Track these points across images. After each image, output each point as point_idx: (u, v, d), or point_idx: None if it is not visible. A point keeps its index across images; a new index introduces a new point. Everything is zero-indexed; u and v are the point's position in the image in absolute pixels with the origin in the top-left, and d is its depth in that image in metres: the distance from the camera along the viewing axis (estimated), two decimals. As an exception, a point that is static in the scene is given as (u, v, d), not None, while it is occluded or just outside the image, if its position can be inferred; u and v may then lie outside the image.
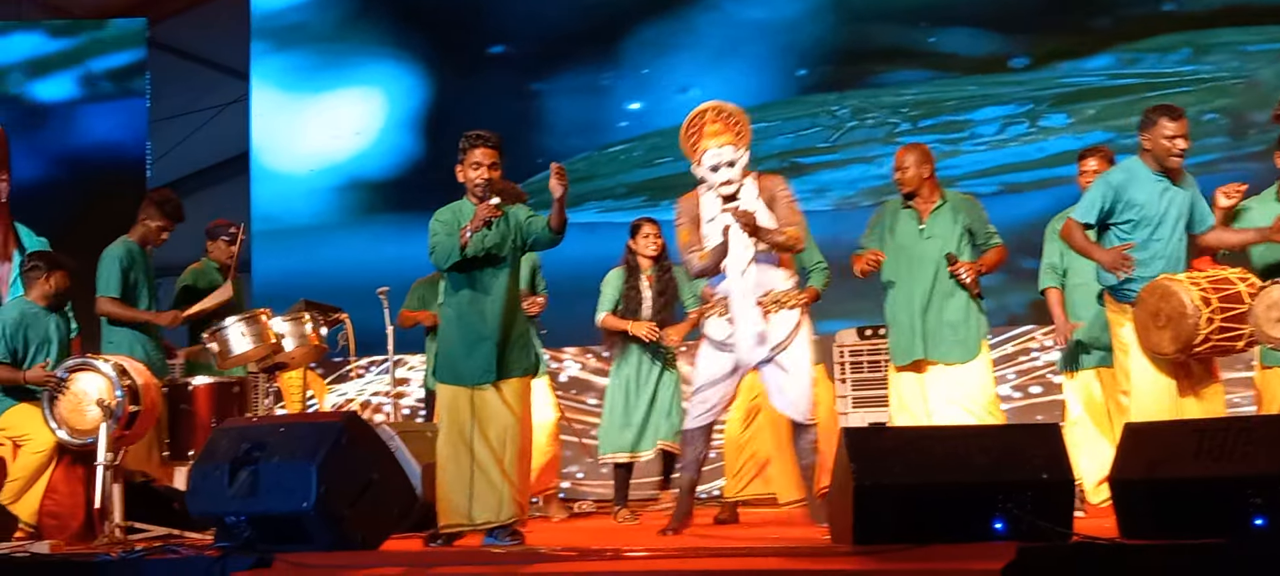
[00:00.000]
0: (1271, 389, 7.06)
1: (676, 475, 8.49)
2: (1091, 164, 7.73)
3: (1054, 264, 7.83)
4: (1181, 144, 6.82)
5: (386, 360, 9.66)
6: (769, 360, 6.97)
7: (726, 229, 6.85)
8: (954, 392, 7.43)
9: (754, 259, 6.91)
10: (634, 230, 8.70)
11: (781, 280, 7.02)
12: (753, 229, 6.80)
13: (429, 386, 9.36)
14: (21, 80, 13.29)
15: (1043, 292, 7.89)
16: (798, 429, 7.05)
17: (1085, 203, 6.94)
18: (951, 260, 7.47)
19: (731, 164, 6.90)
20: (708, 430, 7.14)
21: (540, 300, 8.59)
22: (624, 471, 8.59)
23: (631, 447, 8.53)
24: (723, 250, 6.89)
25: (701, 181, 7.03)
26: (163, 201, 8.50)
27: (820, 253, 7.92)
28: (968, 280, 7.46)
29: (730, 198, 6.89)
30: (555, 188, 6.41)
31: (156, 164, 13.22)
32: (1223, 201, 7.14)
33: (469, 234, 6.49)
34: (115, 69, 13.29)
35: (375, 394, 12.14)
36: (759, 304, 6.92)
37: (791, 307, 7.00)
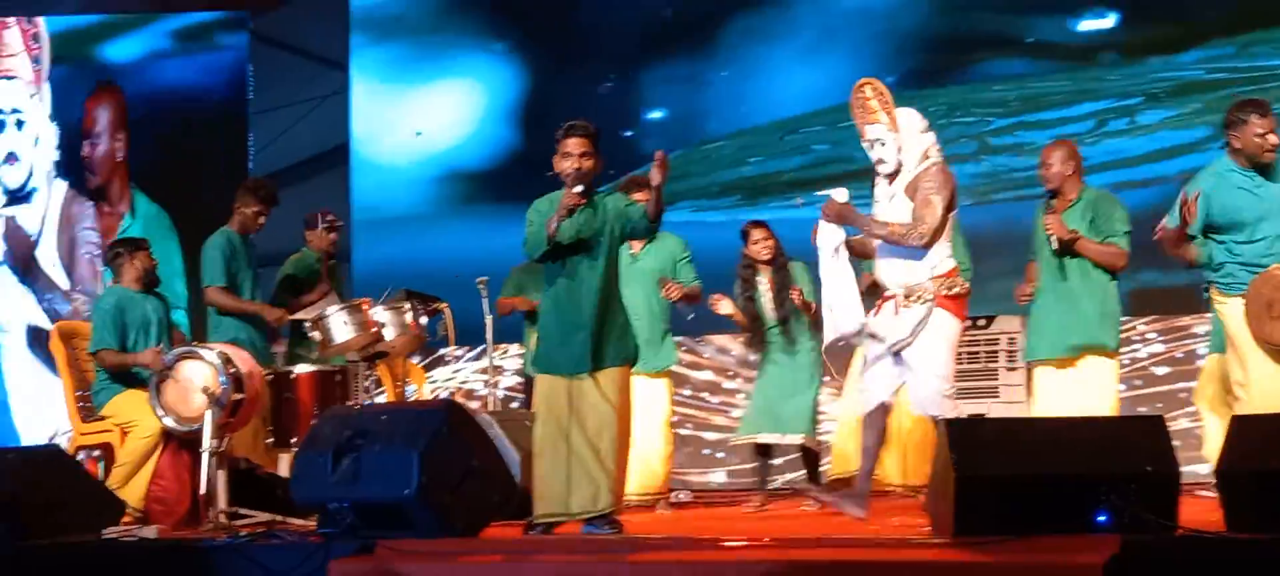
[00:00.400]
0: None
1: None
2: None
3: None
4: (1273, 139, 6.71)
5: (480, 349, 9.71)
6: (898, 353, 6.76)
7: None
8: (1079, 389, 7.36)
9: (877, 249, 6.83)
10: (744, 236, 8.73)
11: (917, 274, 6.73)
12: (837, 217, 6.80)
13: (527, 372, 9.40)
14: (123, 68, 13.56)
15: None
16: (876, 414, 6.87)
17: (1174, 212, 6.84)
18: (1046, 209, 7.43)
19: (883, 143, 6.72)
20: (873, 416, 6.85)
21: (681, 286, 8.48)
22: (765, 451, 8.73)
23: (750, 432, 8.67)
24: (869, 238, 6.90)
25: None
26: (256, 187, 8.62)
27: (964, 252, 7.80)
28: (1052, 232, 7.36)
29: (892, 174, 6.77)
30: (655, 176, 6.41)
31: (258, 155, 13.37)
32: None
33: (555, 224, 6.51)
34: (217, 62, 13.53)
35: (464, 382, 12.23)
36: (889, 296, 6.79)
37: (925, 301, 6.70)
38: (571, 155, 6.59)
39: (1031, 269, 7.67)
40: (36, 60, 13.29)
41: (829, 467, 9.00)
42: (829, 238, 6.88)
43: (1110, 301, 7.47)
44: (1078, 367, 7.43)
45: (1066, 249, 7.41)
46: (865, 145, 6.80)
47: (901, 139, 6.71)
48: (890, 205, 6.74)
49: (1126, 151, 11.08)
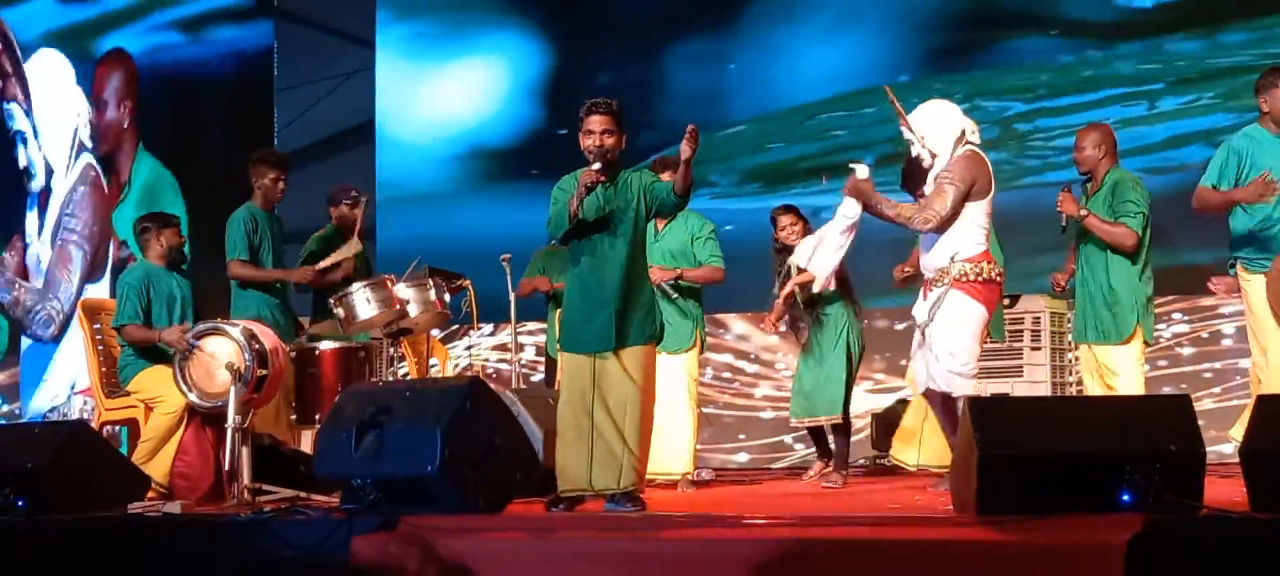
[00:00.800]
0: None
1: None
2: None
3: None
4: None
5: (503, 326, 9.72)
6: (923, 330, 6.98)
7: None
8: (1107, 372, 7.39)
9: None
10: (773, 222, 8.78)
11: (942, 257, 6.87)
12: (854, 192, 6.92)
13: (551, 353, 9.40)
14: (151, 45, 13.59)
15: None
16: (938, 400, 7.01)
17: (1212, 169, 6.83)
18: (1066, 189, 7.44)
19: (912, 144, 6.97)
20: (929, 395, 7.12)
21: (664, 269, 8.47)
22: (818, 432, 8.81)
23: (797, 414, 8.75)
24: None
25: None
26: (265, 155, 8.66)
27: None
28: (1067, 211, 7.39)
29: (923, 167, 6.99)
30: (685, 149, 6.38)
31: (282, 132, 13.39)
32: None
33: (576, 203, 6.50)
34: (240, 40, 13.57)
35: (482, 358, 12.25)
36: (926, 278, 7.00)
37: (944, 284, 6.83)
38: (593, 133, 6.58)
39: (1073, 253, 7.68)
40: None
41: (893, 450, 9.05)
42: (848, 210, 7.01)
43: (1135, 286, 7.43)
44: (1107, 352, 7.43)
45: (1082, 230, 7.43)
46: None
47: (924, 133, 6.90)
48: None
49: (1146, 138, 11.02)
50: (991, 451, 5.13)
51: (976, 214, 6.77)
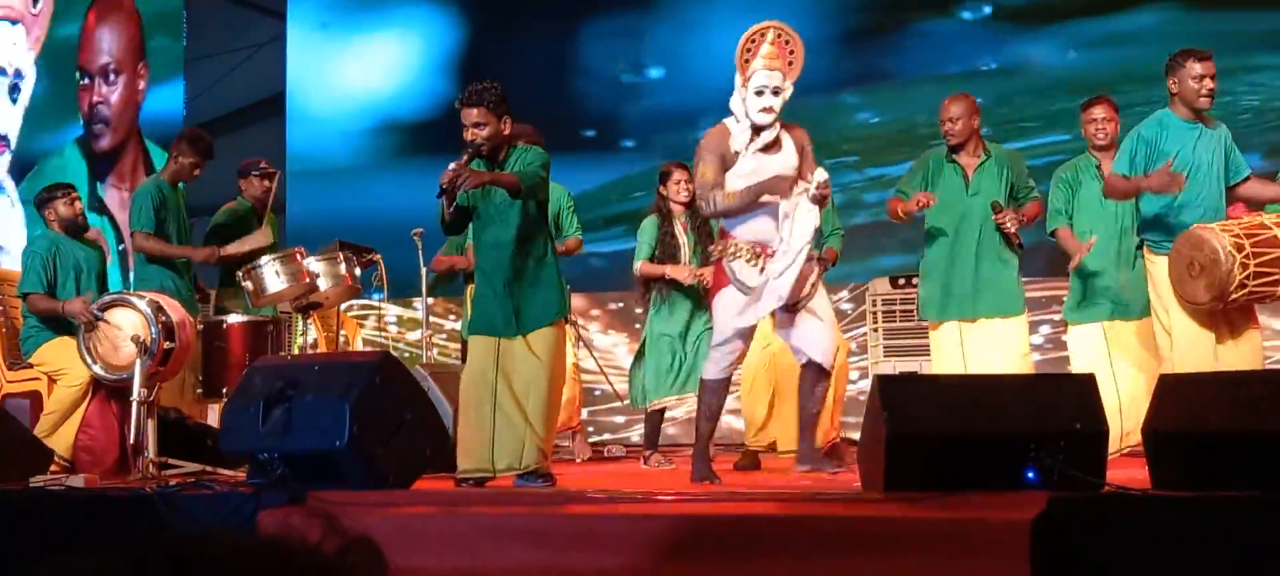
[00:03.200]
0: None
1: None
2: (1098, 112, 7.69)
3: (1059, 208, 7.77)
4: (1209, 84, 6.77)
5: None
6: (794, 307, 6.79)
7: (774, 179, 6.61)
8: (994, 348, 7.44)
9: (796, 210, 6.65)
10: (663, 177, 8.57)
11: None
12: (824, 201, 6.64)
13: (464, 335, 9.37)
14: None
15: (1053, 234, 7.82)
16: (819, 376, 6.88)
17: (1121, 157, 6.90)
18: (997, 209, 7.45)
19: (776, 92, 6.62)
20: (728, 383, 6.96)
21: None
22: (658, 416, 8.56)
23: (679, 392, 8.48)
24: (756, 195, 6.61)
25: (731, 114, 6.77)
26: (195, 138, 8.55)
27: (839, 217, 8.05)
28: (1012, 229, 7.43)
29: (767, 137, 6.66)
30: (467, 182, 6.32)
31: (192, 103, 13.24)
32: None
33: (446, 202, 6.44)
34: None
35: (394, 335, 12.18)
36: (769, 253, 6.68)
37: (812, 257, 6.81)
38: (466, 127, 6.53)
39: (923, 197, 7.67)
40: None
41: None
42: (812, 219, 6.68)
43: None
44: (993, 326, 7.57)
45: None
46: (752, 92, 6.62)
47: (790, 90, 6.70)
48: (768, 157, 6.67)
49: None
50: (900, 429, 5.17)
51: None
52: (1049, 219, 7.78)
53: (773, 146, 6.70)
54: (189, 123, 12.88)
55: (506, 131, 6.60)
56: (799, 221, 6.56)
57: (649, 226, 8.52)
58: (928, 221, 7.67)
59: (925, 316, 7.81)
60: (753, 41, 6.67)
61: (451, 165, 6.40)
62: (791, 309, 6.79)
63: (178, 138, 8.62)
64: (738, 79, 6.70)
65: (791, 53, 6.70)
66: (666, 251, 8.43)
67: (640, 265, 8.48)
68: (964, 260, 7.57)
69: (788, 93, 6.69)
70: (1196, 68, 6.78)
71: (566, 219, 8.62)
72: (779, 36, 6.69)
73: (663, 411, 8.54)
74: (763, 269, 6.66)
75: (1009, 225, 7.44)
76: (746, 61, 6.66)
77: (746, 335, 6.88)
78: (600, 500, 5.53)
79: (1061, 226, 7.72)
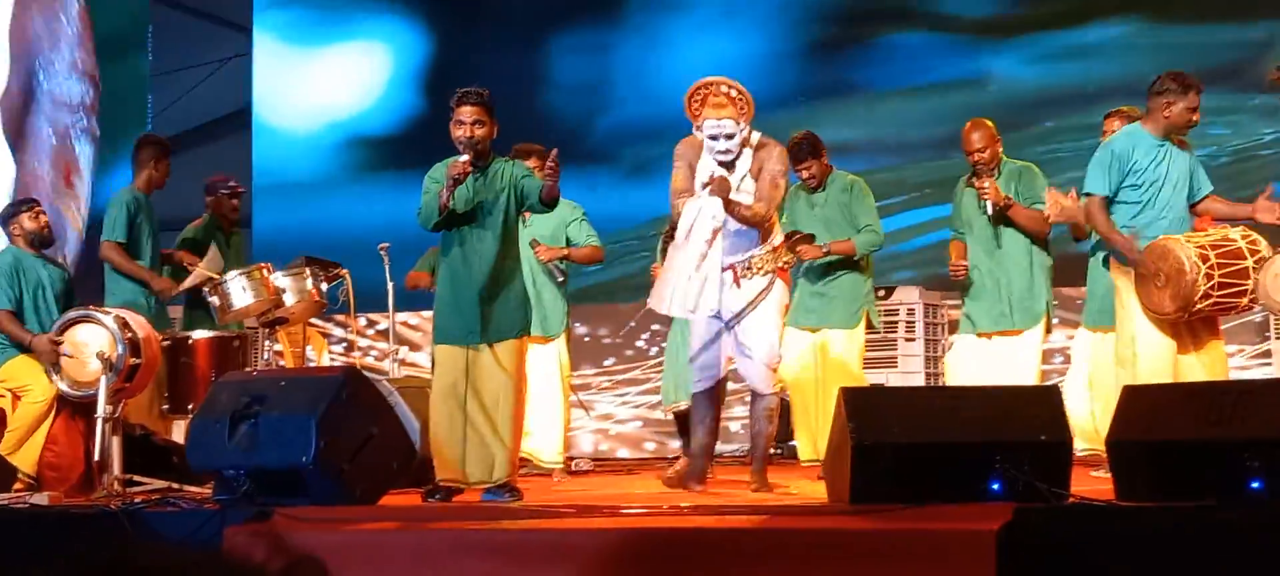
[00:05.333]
0: None
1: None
2: (1116, 124, 7.73)
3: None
4: (1195, 118, 6.83)
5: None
6: (736, 322, 6.74)
7: (704, 185, 6.62)
8: (1009, 362, 7.61)
9: (725, 224, 6.63)
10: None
11: (755, 245, 6.73)
12: (725, 199, 6.59)
13: (432, 349, 9.36)
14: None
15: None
16: (754, 395, 6.87)
17: (1094, 176, 6.91)
18: (981, 176, 7.65)
19: (730, 137, 6.64)
20: (713, 393, 6.91)
21: (550, 248, 8.40)
22: (684, 418, 8.64)
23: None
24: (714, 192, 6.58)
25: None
26: (154, 141, 8.51)
27: (876, 216, 8.12)
28: (989, 195, 7.65)
29: (725, 165, 6.67)
30: (546, 179, 6.42)
31: (156, 118, 13.19)
32: (1264, 217, 6.96)
33: (446, 195, 6.47)
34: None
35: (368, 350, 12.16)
36: (729, 268, 6.65)
37: (765, 273, 6.74)
38: (464, 123, 6.56)
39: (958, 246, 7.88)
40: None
41: None
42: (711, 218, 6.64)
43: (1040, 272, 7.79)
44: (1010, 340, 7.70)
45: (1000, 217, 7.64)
46: (707, 138, 6.66)
47: (746, 128, 6.70)
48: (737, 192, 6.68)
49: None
50: (865, 441, 5.19)
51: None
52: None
53: (728, 169, 6.69)
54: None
55: (495, 136, 6.66)
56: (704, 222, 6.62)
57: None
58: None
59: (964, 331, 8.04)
60: (698, 94, 6.73)
61: (460, 158, 6.45)
62: (733, 322, 6.74)
63: (139, 145, 8.55)
64: (693, 124, 6.77)
65: (740, 100, 6.68)
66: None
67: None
68: (979, 275, 7.80)
69: (742, 132, 6.69)
70: (1194, 99, 6.81)
71: (577, 230, 8.49)
72: (723, 89, 6.71)
73: (688, 412, 8.56)
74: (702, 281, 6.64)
75: (986, 193, 7.62)
76: (696, 111, 6.73)
77: (713, 348, 6.79)
78: (567, 514, 5.53)
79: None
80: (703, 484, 6.89)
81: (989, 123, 7.92)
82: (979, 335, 7.84)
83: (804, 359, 8.08)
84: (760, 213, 6.67)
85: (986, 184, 7.68)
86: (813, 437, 8.00)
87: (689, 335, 8.29)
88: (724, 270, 6.65)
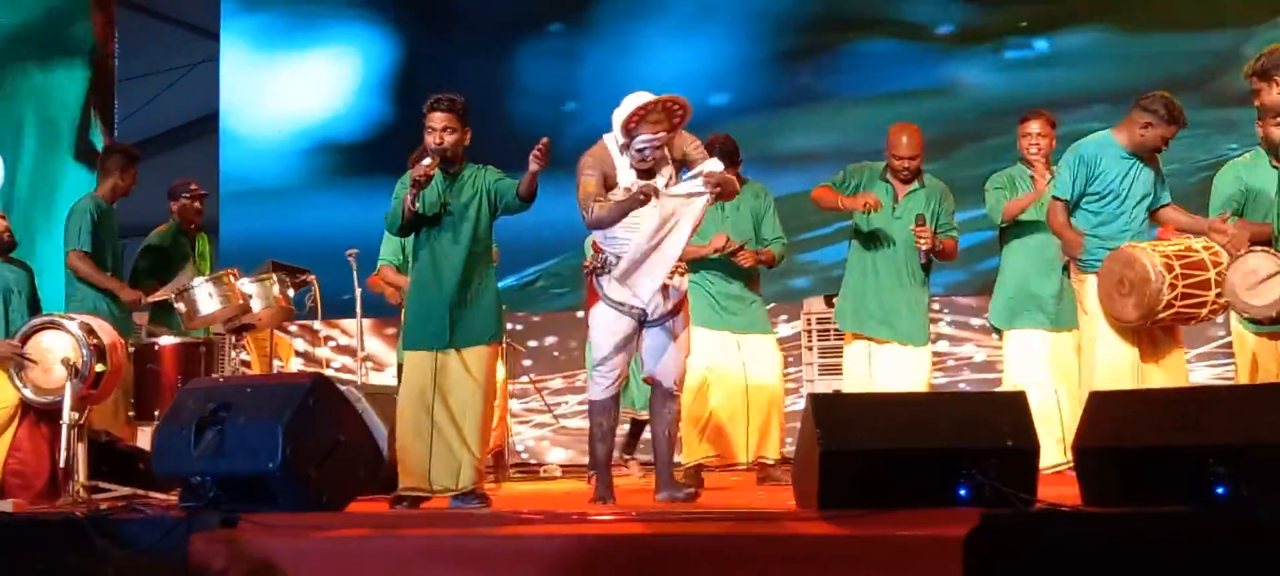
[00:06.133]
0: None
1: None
2: (1034, 127, 7.79)
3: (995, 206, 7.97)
4: (1165, 147, 6.88)
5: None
6: (658, 323, 6.65)
7: (639, 192, 6.38)
8: (902, 373, 7.56)
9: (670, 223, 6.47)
10: None
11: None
12: (723, 179, 6.47)
13: (400, 357, 9.34)
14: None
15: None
16: (665, 397, 6.75)
17: (1062, 181, 6.95)
18: (920, 221, 7.56)
19: (657, 148, 6.47)
20: (618, 399, 6.87)
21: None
22: (639, 425, 8.81)
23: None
24: (626, 209, 6.41)
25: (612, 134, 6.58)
26: (123, 150, 8.48)
27: (781, 226, 8.07)
28: (925, 247, 7.55)
29: (644, 172, 6.49)
30: (534, 164, 6.38)
31: (122, 124, 13.12)
32: (1217, 239, 6.94)
33: (410, 198, 6.47)
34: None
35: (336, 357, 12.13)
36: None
37: (681, 274, 6.66)
38: (434, 129, 6.57)
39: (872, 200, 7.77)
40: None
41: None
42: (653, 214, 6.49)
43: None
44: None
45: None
46: (635, 148, 6.47)
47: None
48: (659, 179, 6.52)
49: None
50: (833, 447, 5.20)
51: None
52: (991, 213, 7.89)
53: (649, 171, 6.53)
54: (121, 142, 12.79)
55: (466, 143, 6.67)
56: (679, 227, 6.45)
57: None
58: (854, 230, 7.81)
59: (841, 326, 8.04)
60: (636, 115, 6.44)
61: (425, 160, 6.45)
62: (654, 323, 6.65)
63: (107, 153, 8.52)
64: (619, 132, 6.52)
65: (679, 117, 6.52)
66: None
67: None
68: (879, 281, 7.74)
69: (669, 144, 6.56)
70: (1172, 132, 6.84)
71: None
72: (663, 108, 6.47)
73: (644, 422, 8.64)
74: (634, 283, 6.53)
75: (922, 243, 7.56)
76: (629, 129, 6.46)
77: (625, 350, 6.70)
78: (536, 520, 5.52)
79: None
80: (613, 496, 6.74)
81: (917, 128, 7.90)
82: (872, 339, 7.79)
83: (729, 361, 8.01)
84: (726, 174, 6.54)
85: (924, 232, 7.61)
86: (746, 440, 8.00)
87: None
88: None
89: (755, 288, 8.04)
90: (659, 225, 6.42)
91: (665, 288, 6.56)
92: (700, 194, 6.44)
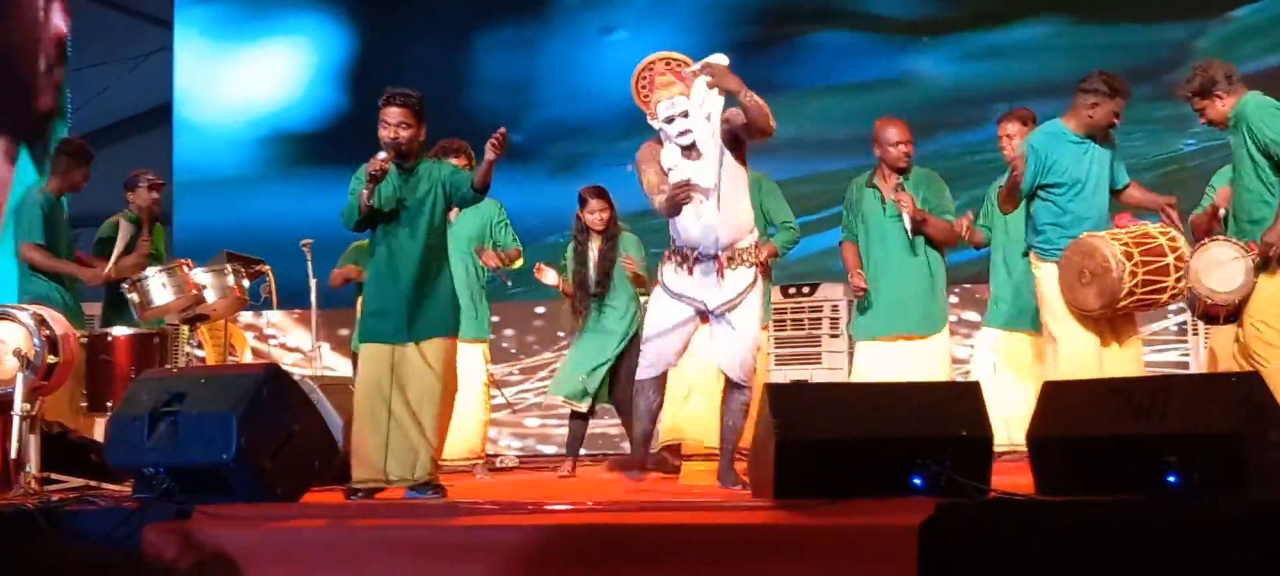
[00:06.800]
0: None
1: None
2: (1011, 127, 7.82)
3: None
4: (1117, 121, 6.88)
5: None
6: (720, 315, 6.64)
7: (674, 192, 6.36)
8: (914, 365, 7.57)
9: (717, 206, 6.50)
10: (581, 202, 8.64)
11: (743, 235, 6.61)
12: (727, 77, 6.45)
13: (354, 347, 9.33)
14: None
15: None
16: (732, 387, 6.74)
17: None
18: (899, 189, 7.61)
19: (686, 114, 6.48)
20: (660, 381, 6.80)
21: (497, 253, 8.45)
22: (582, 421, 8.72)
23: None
24: (671, 200, 6.39)
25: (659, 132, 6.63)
26: (76, 149, 8.41)
27: (791, 211, 8.07)
28: (906, 211, 7.62)
29: (689, 147, 6.50)
30: (490, 152, 6.37)
31: (76, 114, 13.02)
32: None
33: (365, 193, 6.44)
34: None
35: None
36: (717, 258, 6.54)
37: (749, 265, 6.62)
38: (388, 124, 6.54)
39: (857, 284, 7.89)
40: None
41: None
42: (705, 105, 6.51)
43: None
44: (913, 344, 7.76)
45: (916, 228, 7.65)
46: (663, 122, 6.52)
47: (697, 101, 6.53)
48: (688, 163, 6.52)
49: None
50: (789, 436, 5.21)
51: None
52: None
53: (690, 152, 6.54)
54: (74, 133, 12.68)
55: (422, 138, 6.64)
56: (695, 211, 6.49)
57: (569, 246, 8.71)
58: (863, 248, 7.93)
59: (855, 336, 8.08)
60: (643, 78, 6.60)
61: (379, 155, 6.42)
62: (718, 315, 6.65)
63: (58, 152, 8.45)
64: (647, 114, 6.62)
65: (681, 66, 6.57)
66: (576, 267, 8.62)
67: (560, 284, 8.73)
68: (885, 280, 7.78)
69: (694, 109, 6.51)
70: (1119, 105, 6.86)
71: (501, 232, 8.56)
72: (667, 64, 6.59)
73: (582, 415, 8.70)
74: (690, 271, 6.59)
75: (904, 209, 7.59)
76: (645, 98, 6.59)
77: (671, 337, 6.71)
78: (491, 511, 5.51)
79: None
80: (643, 472, 6.84)
81: (902, 123, 7.95)
82: (881, 339, 7.82)
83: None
84: (761, 108, 6.45)
85: (904, 198, 7.65)
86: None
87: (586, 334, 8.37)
88: (711, 258, 6.54)
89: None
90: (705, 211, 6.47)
91: (721, 277, 6.54)
92: (710, 105, 6.48)
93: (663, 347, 6.71)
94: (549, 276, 8.57)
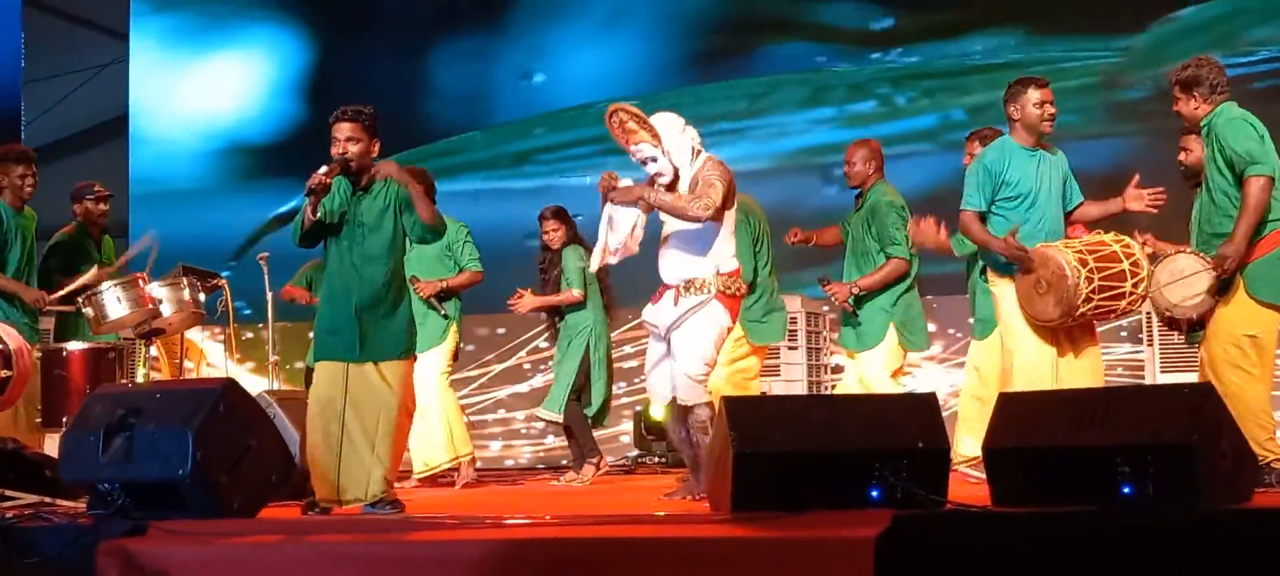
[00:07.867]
0: None
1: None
2: (978, 147, 7.84)
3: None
4: (1050, 110, 6.92)
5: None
6: (667, 337, 6.75)
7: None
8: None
9: (667, 240, 6.74)
10: (540, 221, 8.92)
11: (703, 270, 6.68)
12: (634, 199, 6.70)
13: (309, 363, 9.31)
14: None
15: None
16: (681, 411, 6.78)
17: (969, 191, 6.99)
18: (824, 282, 7.70)
19: (653, 159, 6.67)
20: (674, 409, 6.83)
21: (430, 283, 8.55)
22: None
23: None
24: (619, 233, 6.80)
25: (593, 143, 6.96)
26: (5, 152, 8.28)
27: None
28: (837, 301, 7.85)
29: (670, 186, 6.70)
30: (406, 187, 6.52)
31: (31, 125, 12.95)
32: (1133, 205, 7.09)
33: (309, 209, 6.42)
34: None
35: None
36: (676, 288, 6.70)
37: (699, 291, 6.67)
38: (337, 140, 6.52)
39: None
40: None
41: None
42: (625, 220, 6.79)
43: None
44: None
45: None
46: (638, 162, 6.77)
47: (667, 146, 6.70)
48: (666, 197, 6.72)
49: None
50: (746, 449, 5.21)
51: (731, 223, 6.79)
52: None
53: (671, 188, 6.73)
54: (28, 145, 12.59)
55: (375, 154, 6.59)
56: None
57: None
58: None
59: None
60: (613, 133, 6.79)
61: (321, 169, 6.40)
62: (664, 337, 6.79)
63: (4, 156, 8.31)
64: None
65: (630, 117, 6.69)
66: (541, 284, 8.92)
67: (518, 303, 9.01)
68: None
69: (659, 154, 6.69)
70: (1035, 94, 6.91)
71: (461, 251, 8.62)
72: (617, 120, 6.74)
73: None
74: (656, 300, 6.84)
75: (835, 299, 7.83)
76: (624, 147, 6.79)
77: (655, 372, 6.89)
78: (450, 525, 5.50)
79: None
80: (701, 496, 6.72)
81: (872, 142, 8.04)
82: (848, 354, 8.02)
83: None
84: (680, 204, 6.61)
85: (833, 290, 7.81)
86: None
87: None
88: (666, 288, 6.74)
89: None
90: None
91: (675, 304, 6.69)
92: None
93: (654, 382, 6.89)
94: (527, 302, 8.86)
